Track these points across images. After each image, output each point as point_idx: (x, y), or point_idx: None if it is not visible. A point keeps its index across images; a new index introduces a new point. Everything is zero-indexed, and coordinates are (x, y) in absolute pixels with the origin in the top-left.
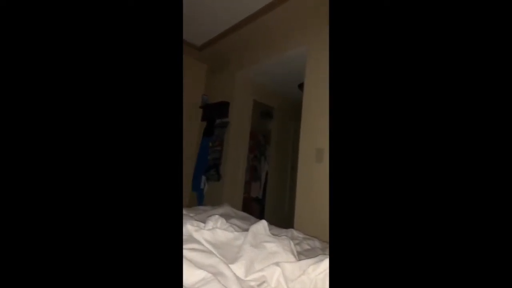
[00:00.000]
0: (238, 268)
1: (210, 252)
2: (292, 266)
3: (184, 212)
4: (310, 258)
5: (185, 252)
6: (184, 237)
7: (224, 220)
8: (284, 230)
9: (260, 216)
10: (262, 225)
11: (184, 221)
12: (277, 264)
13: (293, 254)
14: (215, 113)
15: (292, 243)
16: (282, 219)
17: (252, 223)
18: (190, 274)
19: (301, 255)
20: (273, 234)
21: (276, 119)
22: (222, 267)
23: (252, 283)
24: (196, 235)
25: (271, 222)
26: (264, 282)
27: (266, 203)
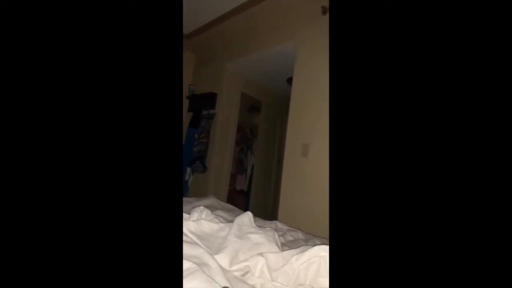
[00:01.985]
0: (223, 259)
1: (195, 243)
2: (276, 257)
3: None
4: (293, 248)
5: None
6: None
7: (209, 212)
8: (268, 222)
9: (245, 209)
10: (247, 216)
11: None
12: (261, 254)
13: (277, 245)
14: (202, 104)
15: (276, 234)
16: (266, 211)
17: (237, 215)
18: None
19: (285, 246)
20: (258, 226)
21: (264, 113)
22: (207, 258)
23: (236, 273)
24: None
25: (256, 215)
26: (248, 272)
27: (251, 196)
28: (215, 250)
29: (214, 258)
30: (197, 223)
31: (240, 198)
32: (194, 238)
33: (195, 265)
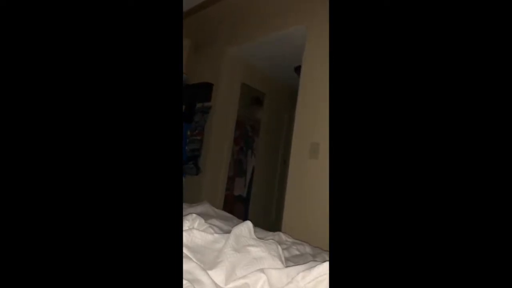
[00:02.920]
0: (218, 275)
1: (186, 257)
2: (279, 273)
3: None
4: (300, 264)
5: None
6: None
7: (202, 220)
8: (271, 233)
9: (244, 217)
10: (247, 226)
11: None
12: (262, 270)
13: (280, 260)
14: (196, 96)
15: (279, 248)
16: (268, 221)
17: (234, 225)
18: None
19: (289, 261)
20: (259, 238)
21: (267, 107)
22: (199, 274)
23: None
24: None
25: (256, 224)
26: None
27: (252, 203)
28: (209, 264)
29: (207, 274)
30: (189, 234)
31: (238, 205)
32: (185, 251)
33: (185, 281)
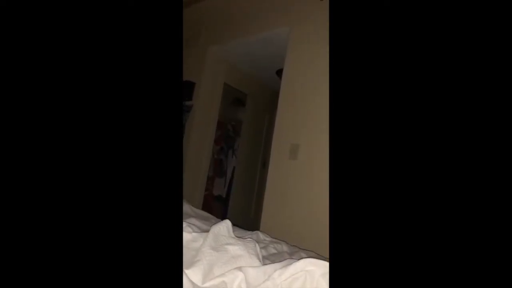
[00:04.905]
0: (195, 274)
1: None
2: (256, 271)
3: None
4: (276, 262)
5: None
6: None
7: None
8: (249, 232)
9: (223, 217)
10: (225, 225)
11: None
12: (239, 269)
13: (258, 258)
14: None
15: (257, 246)
16: (247, 220)
17: (213, 224)
18: None
19: (267, 259)
20: (237, 236)
21: (249, 108)
22: None
23: None
24: None
25: (235, 224)
26: None
27: (231, 203)
28: (186, 263)
29: (185, 273)
30: None
31: (217, 205)
32: None
33: None
